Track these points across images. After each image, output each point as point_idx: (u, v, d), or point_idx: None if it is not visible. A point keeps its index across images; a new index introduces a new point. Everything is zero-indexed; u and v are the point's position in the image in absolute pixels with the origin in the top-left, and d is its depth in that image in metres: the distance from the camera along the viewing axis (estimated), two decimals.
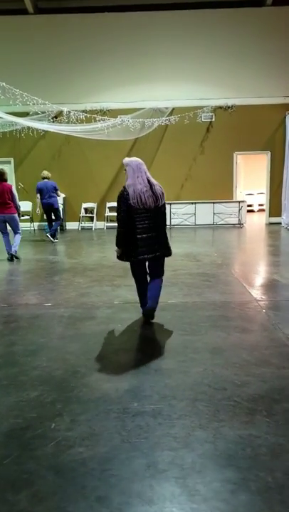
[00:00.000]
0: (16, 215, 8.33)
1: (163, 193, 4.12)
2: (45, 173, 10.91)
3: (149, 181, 4.05)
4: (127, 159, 4.17)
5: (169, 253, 4.29)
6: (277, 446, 2.28)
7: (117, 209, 4.10)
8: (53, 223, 10.97)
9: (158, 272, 4.35)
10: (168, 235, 4.31)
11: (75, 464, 2.17)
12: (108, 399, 2.83)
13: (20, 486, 2.03)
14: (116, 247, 4.21)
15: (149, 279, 4.40)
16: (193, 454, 2.23)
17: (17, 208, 8.32)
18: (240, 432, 2.41)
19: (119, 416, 2.61)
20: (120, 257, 4.25)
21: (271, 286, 5.95)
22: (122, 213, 4.04)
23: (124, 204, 4.01)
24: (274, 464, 2.14)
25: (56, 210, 10.88)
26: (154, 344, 3.90)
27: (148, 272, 4.38)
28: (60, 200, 11.54)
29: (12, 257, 8.17)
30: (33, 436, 2.43)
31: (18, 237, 8.43)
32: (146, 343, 3.98)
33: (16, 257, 8.23)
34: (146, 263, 4.31)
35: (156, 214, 4.10)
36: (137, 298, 4.56)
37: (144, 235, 4.08)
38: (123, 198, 4.01)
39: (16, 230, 8.38)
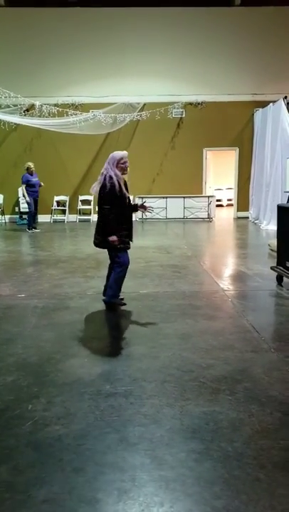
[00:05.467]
0: None
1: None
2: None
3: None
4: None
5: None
6: (238, 420, 2.51)
7: (108, 200, 4.22)
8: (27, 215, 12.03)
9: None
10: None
11: (52, 440, 2.33)
12: (82, 382, 2.99)
13: (0, 460, 2.18)
14: (113, 236, 4.26)
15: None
16: (161, 429, 2.42)
17: None
18: (204, 409, 2.62)
19: (93, 397, 2.78)
20: (123, 242, 4.39)
21: (237, 277, 6.22)
22: (110, 204, 4.23)
23: (118, 194, 4.26)
24: (234, 435, 2.36)
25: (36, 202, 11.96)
26: (126, 332, 4.07)
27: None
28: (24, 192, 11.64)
29: None
30: (11, 416, 2.57)
31: None
32: (118, 330, 4.16)
33: None
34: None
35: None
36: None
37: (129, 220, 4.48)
38: (115, 187, 4.22)
39: None
